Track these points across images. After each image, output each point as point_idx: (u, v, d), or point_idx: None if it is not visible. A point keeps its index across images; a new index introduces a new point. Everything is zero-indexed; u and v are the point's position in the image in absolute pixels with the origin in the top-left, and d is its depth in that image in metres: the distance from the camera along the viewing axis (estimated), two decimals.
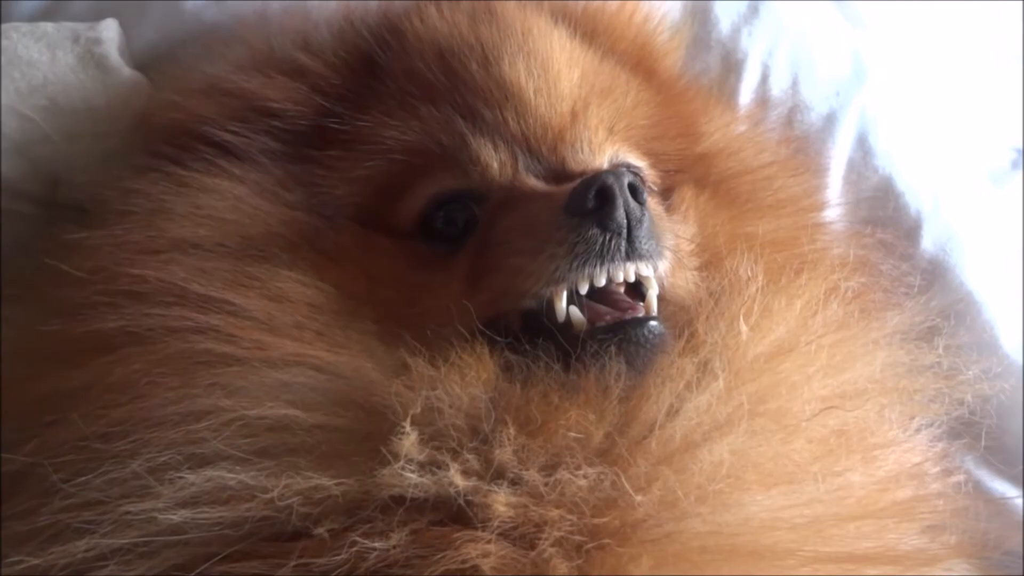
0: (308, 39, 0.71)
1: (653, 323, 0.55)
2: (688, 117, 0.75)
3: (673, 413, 0.51)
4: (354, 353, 0.53)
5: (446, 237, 0.61)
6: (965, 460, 0.80)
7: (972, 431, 0.81)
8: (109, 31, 0.71)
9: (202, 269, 0.56)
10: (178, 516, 0.47)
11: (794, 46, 0.90)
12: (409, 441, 0.48)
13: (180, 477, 0.48)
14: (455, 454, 0.49)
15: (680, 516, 0.49)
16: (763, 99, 0.87)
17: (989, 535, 0.69)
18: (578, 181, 0.57)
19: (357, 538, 0.46)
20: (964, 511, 0.66)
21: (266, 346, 0.52)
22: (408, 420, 0.49)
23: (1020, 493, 0.81)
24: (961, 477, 0.72)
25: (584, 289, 0.55)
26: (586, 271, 0.55)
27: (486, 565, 0.46)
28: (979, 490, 0.78)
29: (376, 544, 0.46)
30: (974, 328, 0.84)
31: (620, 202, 0.54)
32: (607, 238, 0.55)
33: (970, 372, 0.71)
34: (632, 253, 0.56)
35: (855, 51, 0.93)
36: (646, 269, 0.56)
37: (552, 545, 0.47)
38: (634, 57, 0.74)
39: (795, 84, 0.88)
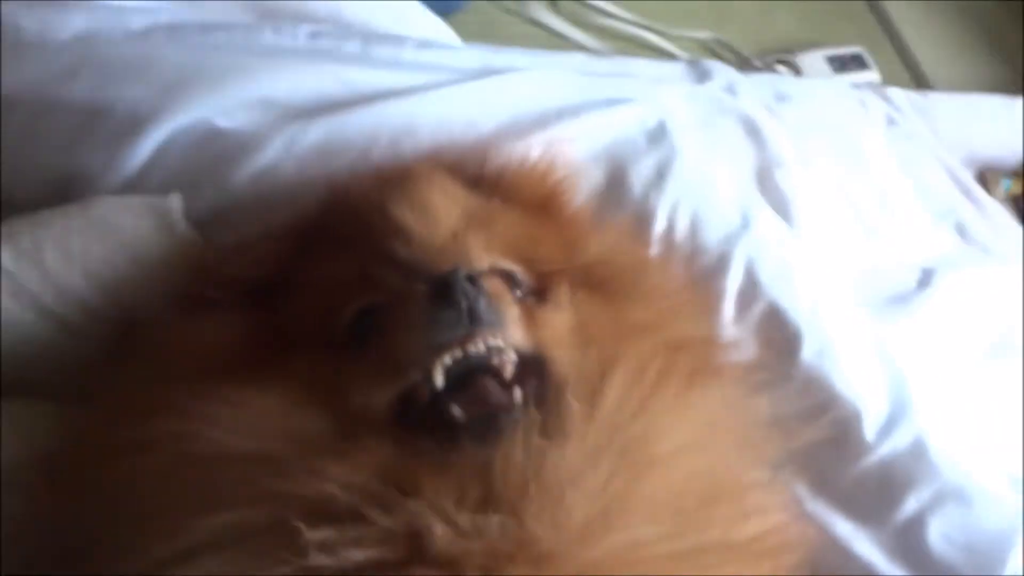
0: (270, 227, 0.94)
1: (514, 412, 0.68)
2: (569, 237, 0.93)
3: (543, 465, 0.64)
4: (289, 452, 0.66)
5: (362, 339, 0.77)
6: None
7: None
8: (176, 203, 0.96)
9: (190, 391, 0.73)
10: None
11: (692, 201, 1.14)
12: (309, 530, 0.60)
13: (180, 572, 0.60)
14: (354, 530, 0.60)
15: (578, 544, 0.62)
16: (669, 243, 1.11)
17: None
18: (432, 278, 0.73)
19: None
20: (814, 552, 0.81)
21: (228, 446, 0.67)
22: (307, 511, 0.60)
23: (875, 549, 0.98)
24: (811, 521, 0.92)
25: (448, 360, 0.69)
26: (442, 337, 0.70)
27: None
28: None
29: None
30: (839, 419, 1.03)
31: (458, 287, 0.70)
32: (451, 312, 0.70)
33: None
34: (475, 322, 0.70)
35: (742, 202, 1.18)
36: (492, 339, 0.70)
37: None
38: (527, 201, 0.94)
39: (694, 233, 1.12)
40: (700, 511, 0.68)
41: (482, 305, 0.70)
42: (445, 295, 0.70)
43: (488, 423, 0.67)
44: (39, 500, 0.75)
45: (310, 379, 0.75)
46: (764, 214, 1.19)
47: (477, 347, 0.70)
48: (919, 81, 2.54)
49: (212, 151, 1.04)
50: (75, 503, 0.72)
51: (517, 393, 0.71)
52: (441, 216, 0.84)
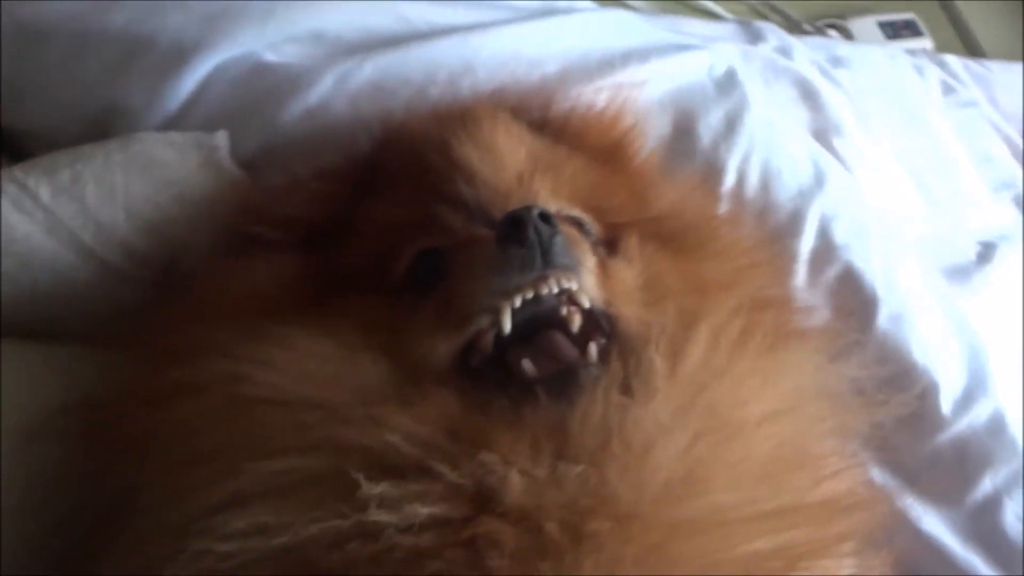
0: (322, 166, 0.89)
1: (591, 368, 0.65)
2: (638, 188, 0.89)
3: (625, 422, 0.61)
4: (348, 399, 0.63)
5: (424, 284, 0.73)
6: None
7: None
8: (223, 140, 0.90)
9: (242, 333, 0.69)
10: (228, 548, 0.56)
11: (764, 154, 1.08)
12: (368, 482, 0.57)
13: (230, 517, 0.57)
14: (418, 484, 0.57)
15: (659, 505, 0.59)
16: (739, 199, 1.05)
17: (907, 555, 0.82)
18: (502, 217, 0.69)
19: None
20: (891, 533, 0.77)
21: (283, 390, 0.64)
22: (367, 462, 0.58)
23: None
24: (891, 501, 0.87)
25: (518, 302, 0.65)
26: (513, 280, 0.65)
27: (504, 542, 0.55)
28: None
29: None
30: (915, 392, 0.97)
31: (530, 224, 0.65)
32: (522, 251, 0.65)
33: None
34: (548, 264, 0.65)
35: (815, 158, 1.11)
36: (567, 282, 0.66)
37: (556, 529, 0.56)
38: (594, 148, 0.89)
39: (765, 188, 1.06)
40: (780, 478, 0.65)
41: (557, 245, 0.66)
42: (516, 234, 0.65)
43: (565, 378, 0.63)
44: (79, 448, 0.72)
45: (368, 324, 0.70)
46: (838, 171, 1.12)
47: (550, 287, 0.65)
48: (972, 49, 2.45)
49: (259, 87, 0.98)
50: (118, 450, 0.68)
51: (593, 348, 0.67)
52: (507, 157, 0.79)
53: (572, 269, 0.67)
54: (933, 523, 0.94)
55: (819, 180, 1.10)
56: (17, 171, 0.84)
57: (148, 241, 0.86)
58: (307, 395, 0.63)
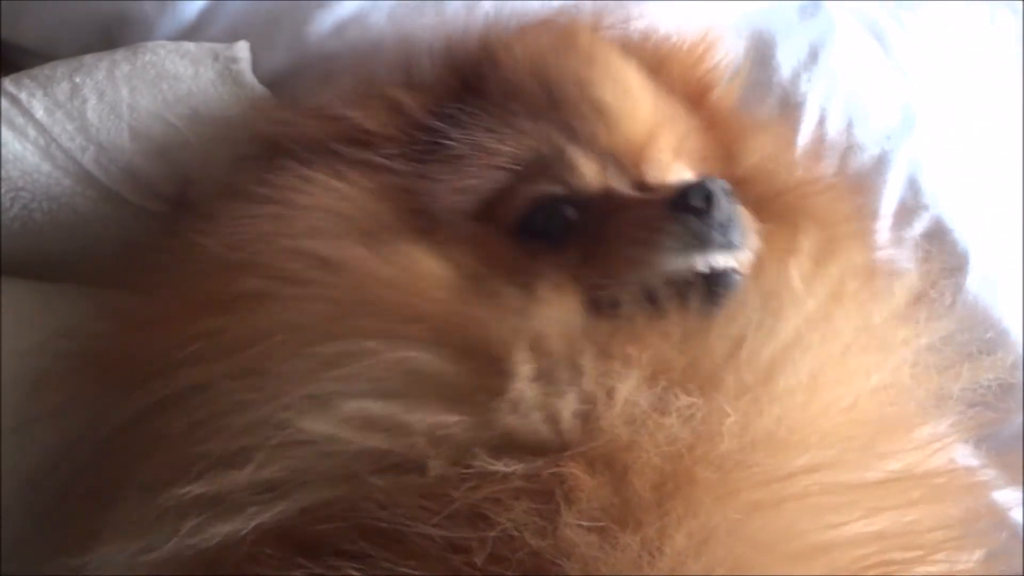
0: (410, 73, 0.79)
1: (737, 275, 0.64)
2: (728, 144, 0.81)
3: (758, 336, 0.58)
4: (473, 307, 0.59)
5: (545, 234, 0.68)
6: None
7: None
8: (243, 51, 0.80)
9: (328, 244, 0.63)
10: (334, 433, 0.52)
11: (849, 94, 0.97)
12: (524, 371, 0.54)
13: (334, 405, 0.53)
14: (561, 380, 0.54)
15: (759, 453, 0.53)
16: (820, 138, 0.94)
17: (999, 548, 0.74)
18: (683, 184, 0.66)
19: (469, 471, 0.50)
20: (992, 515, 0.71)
21: (399, 303, 0.59)
22: (521, 352, 0.54)
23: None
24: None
25: (693, 276, 0.63)
26: (692, 258, 0.63)
27: (582, 497, 0.50)
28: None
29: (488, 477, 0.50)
30: (1006, 362, 0.90)
31: (722, 203, 0.64)
32: (710, 231, 0.63)
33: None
34: (726, 245, 0.64)
35: (905, 103, 0.99)
36: (734, 260, 0.65)
37: (644, 485, 0.51)
38: (688, 91, 0.81)
39: (850, 127, 0.95)
40: (887, 444, 0.61)
41: (736, 223, 0.65)
42: (702, 208, 0.64)
43: (717, 280, 0.63)
44: (82, 388, 0.65)
45: (490, 263, 0.65)
46: (930, 114, 1.00)
47: (724, 265, 0.65)
48: None
49: None
50: (138, 383, 0.60)
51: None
52: (640, 104, 0.74)
53: (741, 249, 0.66)
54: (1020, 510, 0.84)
55: (908, 123, 0.98)
56: (8, 83, 0.74)
57: (156, 165, 0.77)
58: (427, 312, 0.59)
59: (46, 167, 0.73)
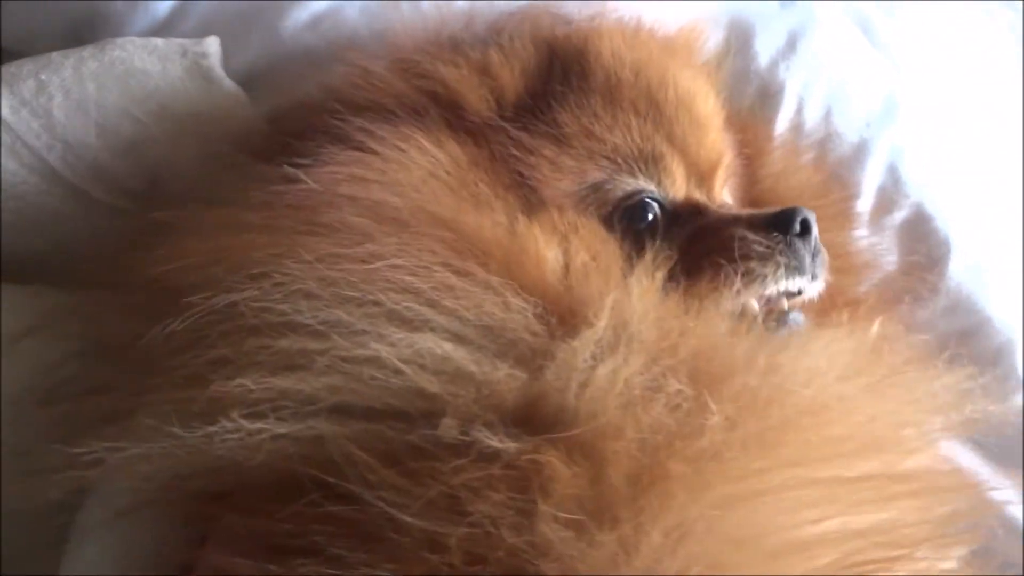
0: (501, 38, 0.78)
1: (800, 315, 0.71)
2: (752, 163, 0.85)
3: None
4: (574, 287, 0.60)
5: (631, 230, 0.70)
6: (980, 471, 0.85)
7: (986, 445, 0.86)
8: (213, 46, 0.79)
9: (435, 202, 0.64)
10: (398, 363, 0.52)
11: (829, 81, 0.96)
12: (591, 334, 0.54)
13: (408, 334, 0.53)
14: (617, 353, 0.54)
15: (747, 447, 0.53)
16: (797, 127, 0.93)
17: (998, 545, 0.72)
18: (779, 209, 0.71)
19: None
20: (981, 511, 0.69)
21: (509, 264, 0.59)
22: (597, 318, 0.55)
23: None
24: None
25: (784, 300, 0.70)
26: (791, 280, 0.69)
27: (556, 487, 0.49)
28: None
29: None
30: (991, 349, 0.89)
31: (815, 231, 0.70)
32: (808, 258, 0.69)
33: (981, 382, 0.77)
34: (814, 273, 0.70)
35: (888, 87, 0.98)
36: (815, 287, 0.71)
37: (620, 477, 0.50)
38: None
39: (828, 115, 0.94)
40: (872, 446, 0.60)
41: (821, 254, 0.71)
42: (801, 235, 0.70)
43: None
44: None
45: (585, 248, 0.66)
46: (913, 101, 0.99)
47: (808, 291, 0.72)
48: None
49: None
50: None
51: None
52: (720, 124, 0.79)
53: (820, 279, 0.72)
54: (1009, 494, 0.84)
55: (890, 109, 0.97)
56: None
57: (124, 163, 0.76)
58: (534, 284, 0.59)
59: (12, 165, 0.72)
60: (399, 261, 0.56)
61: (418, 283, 0.56)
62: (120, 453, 0.54)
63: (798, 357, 0.59)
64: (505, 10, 0.84)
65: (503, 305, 0.56)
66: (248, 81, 0.84)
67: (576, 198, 0.71)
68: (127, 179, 0.77)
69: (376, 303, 0.55)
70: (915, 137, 0.97)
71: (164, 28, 0.86)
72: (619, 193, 0.71)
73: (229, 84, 0.79)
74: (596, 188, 0.71)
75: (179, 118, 0.77)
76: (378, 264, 0.56)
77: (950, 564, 0.60)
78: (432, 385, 0.52)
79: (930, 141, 0.98)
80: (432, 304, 0.55)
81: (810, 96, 0.95)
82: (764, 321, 0.68)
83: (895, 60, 1.12)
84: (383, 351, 0.53)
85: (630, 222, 0.71)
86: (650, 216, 0.72)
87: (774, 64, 0.95)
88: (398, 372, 0.52)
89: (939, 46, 1.21)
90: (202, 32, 0.84)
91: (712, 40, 0.92)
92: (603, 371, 0.53)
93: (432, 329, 0.54)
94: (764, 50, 0.96)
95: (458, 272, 0.57)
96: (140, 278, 0.63)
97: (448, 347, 0.53)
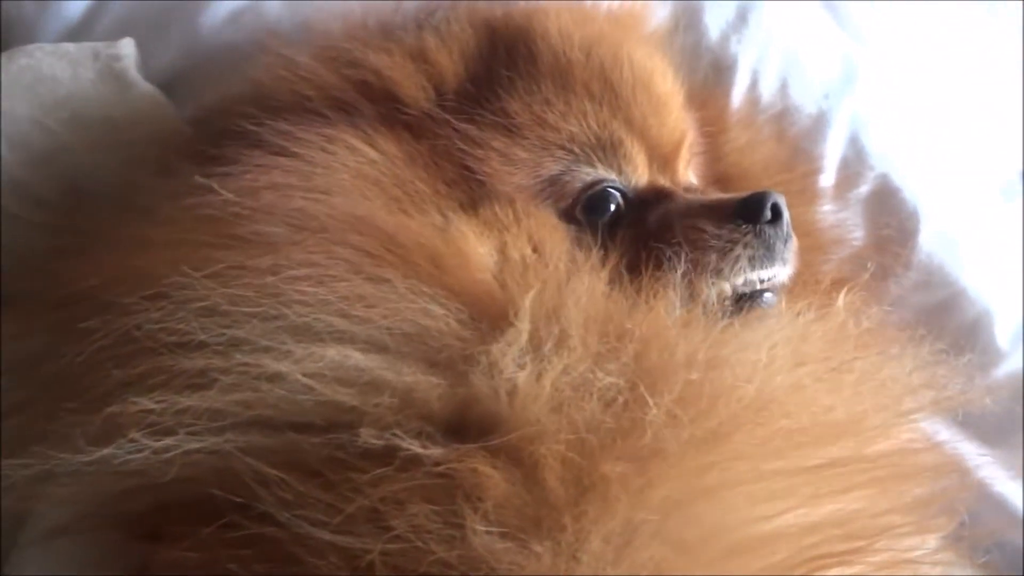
0: (436, 23, 0.74)
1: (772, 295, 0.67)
2: (711, 140, 0.81)
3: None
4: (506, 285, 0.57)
5: (593, 223, 0.67)
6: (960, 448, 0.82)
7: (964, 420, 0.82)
8: (127, 48, 0.76)
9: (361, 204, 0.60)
10: (305, 380, 0.49)
11: (783, 51, 0.92)
12: (517, 334, 0.52)
13: (315, 348, 0.50)
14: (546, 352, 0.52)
15: (691, 441, 0.50)
16: (753, 102, 0.89)
17: (984, 524, 0.70)
18: (747, 194, 0.68)
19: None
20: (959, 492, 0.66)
21: (434, 269, 0.56)
22: (524, 316, 0.52)
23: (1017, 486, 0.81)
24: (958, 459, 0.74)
25: (756, 285, 0.67)
26: (758, 270, 0.66)
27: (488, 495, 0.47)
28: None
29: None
30: (966, 322, 0.86)
31: (787, 216, 0.66)
32: (781, 244, 0.66)
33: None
34: (784, 259, 0.67)
35: (845, 55, 0.95)
36: (785, 272, 0.68)
37: (557, 478, 0.48)
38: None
39: (784, 88, 0.90)
40: (831, 433, 0.57)
41: (791, 238, 0.68)
42: (772, 222, 0.67)
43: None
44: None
45: (533, 239, 0.64)
46: (872, 68, 0.95)
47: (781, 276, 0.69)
48: None
49: None
50: None
51: None
52: (680, 103, 0.75)
53: (790, 263, 0.68)
54: (991, 468, 0.82)
55: (849, 77, 0.93)
56: None
57: (39, 175, 0.72)
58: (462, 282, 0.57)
59: None
60: (305, 271, 0.53)
61: (326, 294, 0.53)
62: (27, 472, 0.52)
63: (741, 350, 0.55)
64: None
65: (422, 312, 0.53)
66: (170, 82, 0.80)
67: (532, 192, 0.67)
68: (43, 191, 0.73)
69: (280, 317, 0.52)
70: (876, 106, 0.93)
71: (78, 31, 0.83)
72: (578, 185, 0.68)
73: (146, 87, 0.75)
74: (553, 181, 0.68)
75: (94, 125, 0.73)
76: (282, 276, 0.53)
77: (926, 549, 0.58)
78: (347, 397, 0.50)
79: (892, 109, 0.94)
80: (342, 314, 0.52)
81: (764, 69, 0.91)
82: (737, 302, 0.65)
83: (858, 30, 1.09)
84: (285, 368, 0.50)
85: (592, 215, 0.68)
86: (612, 207, 0.69)
87: (725, 38, 0.92)
88: (307, 388, 0.50)
89: (900, 12, 1.18)
90: (118, 33, 0.80)
91: (659, 16, 0.89)
92: (530, 372, 0.50)
93: (342, 340, 0.51)
94: (714, 24, 0.92)
95: (372, 279, 0.54)
96: (55, 295, 0.60)
97: (360, 357, 0.50)
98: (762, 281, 0.67)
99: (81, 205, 0.72)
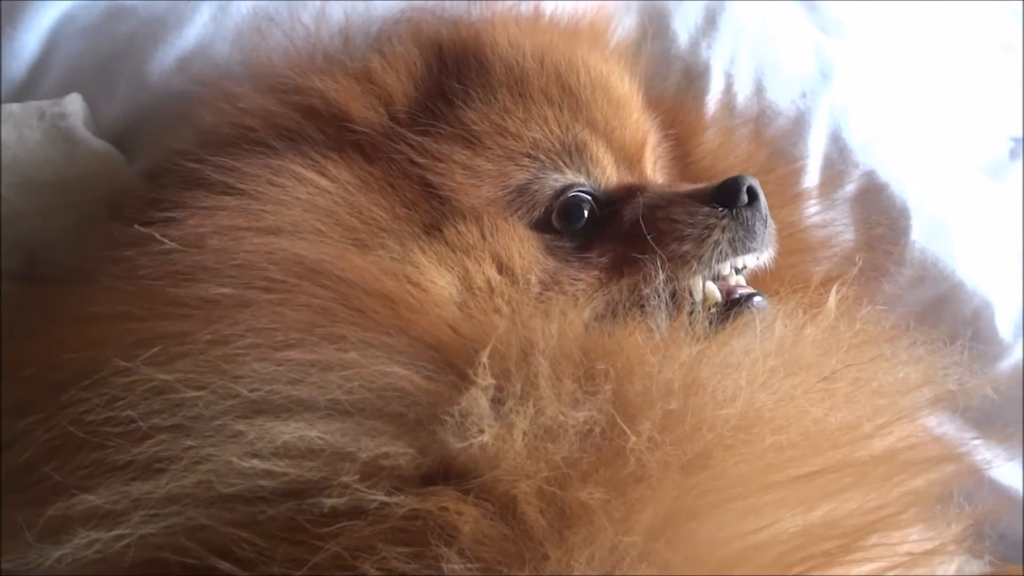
0: (381, 43, 0.73)
1: (763, 300, 0.65)
2: (684, 144, 0.80)
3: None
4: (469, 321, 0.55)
5: (567, 231, 0.66)
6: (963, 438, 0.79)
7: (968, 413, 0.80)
8: (73, 104, 0.73)
9: (312, 248, 0.57)
10: (256, 464, 0.47)
11: (756, 52, 0.90)
12: (481, 387, 0.50)
13: (271, 424, 0.48)
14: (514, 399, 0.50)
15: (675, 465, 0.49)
16: (729, 107, 0.87)
17: (986, 515, 0.67)
18: (723, 180, 0.66)
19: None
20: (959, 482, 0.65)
21: (391, 316, 0.53)
22: (485, 367, 0.50)
23: (1019, 475, 0.79)
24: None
25: (727, 271, 0.65)
26: (741, 254, 0.65)
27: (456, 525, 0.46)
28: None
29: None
30: (966, 315, 0.84)
31: (763, 197, 0.65)
32: (757, 224, 0.65)
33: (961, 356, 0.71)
34: (765, 241, 0.66)
35: (818, 48, 0.92)
36: (766, 256, 0.67)
37: (534, 510, 0.47)
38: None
39: (760, 89, 0.88)
40: (823, 437, 0.56)
41: (770, 221, 0.67)
42: (749, 205, 0.65)
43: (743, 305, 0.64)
44: None
45: (500, 257, 0.62)
46: (848, 61, 0.92)
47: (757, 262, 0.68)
48: None
49: (119, 34, 0.79)
50: None
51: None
52: (640, 104, 0.74)
53: (770, 247, 0.68)
54: (1000, 466, 0.79)
55: (825, 73, 0.91)
56: None
57: None
58: (424, 331, 0.54)
59: None
60: (253, 340, 0.50)
61: (278, 362, 0.49)
62: None
63: (722, 371, 0.53)
64: (387, 19, 0.77)
65: (381, 372, 0.50)
66: (121, 135, 0.77)
67: (501, 204, 0.65)
68: (3, 260, 0.70)
69: (230, 395, 0.48)
70: (855, 100, 0.91)
71: (26, 88, 0.79)
72: (548, 192, 0.66)
73: (96, 143, 0.72)
74: (522, 191, 0.66)
75: (44, 189, 0.70)
76: (229, 348, 0.50)
77: (910, 546, 0.55)
78: (309, 472, 0.47)
79: (871, 101, 0.92)
80: (297, 383, 0.49)
81: (738, 72, 0.89)
82: (726, 308, 0.63)
83: (837, 21, 1.06)
84: (236, 455, 0.47)
85: (567, 222, 0.66)
86: (586, 212, 0.67)
87: (695, 43, 0.89)
88: (265, 472, 0.47)
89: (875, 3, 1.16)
90: (66, 88, 0.77)
91: (625, 26, 0.86)
92: (499, 429, 0.48)
93: (300, 411, 0.48)
94: (682, 29, 0.89)
95: (328, 338, 0.51)
96: (11, 376, 0.56)
97: (320, 429, 0.48)
98: (746, 267, 0.66)
99: (39, 275, 0.69)
